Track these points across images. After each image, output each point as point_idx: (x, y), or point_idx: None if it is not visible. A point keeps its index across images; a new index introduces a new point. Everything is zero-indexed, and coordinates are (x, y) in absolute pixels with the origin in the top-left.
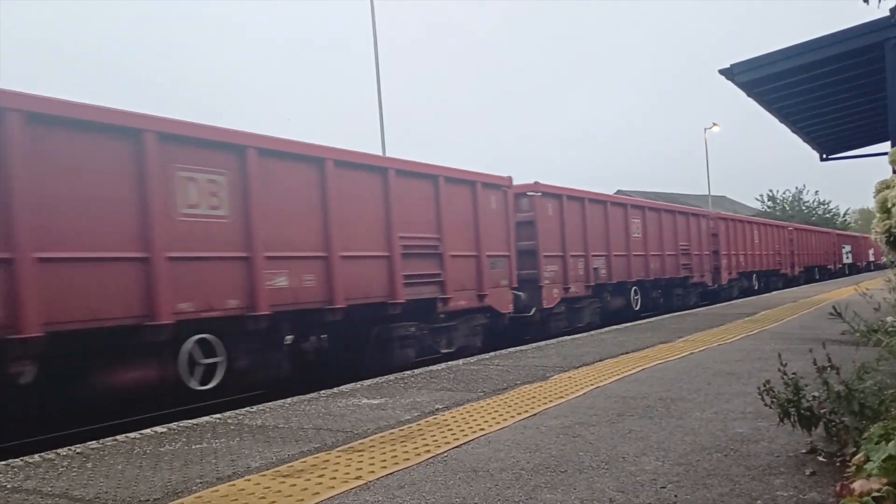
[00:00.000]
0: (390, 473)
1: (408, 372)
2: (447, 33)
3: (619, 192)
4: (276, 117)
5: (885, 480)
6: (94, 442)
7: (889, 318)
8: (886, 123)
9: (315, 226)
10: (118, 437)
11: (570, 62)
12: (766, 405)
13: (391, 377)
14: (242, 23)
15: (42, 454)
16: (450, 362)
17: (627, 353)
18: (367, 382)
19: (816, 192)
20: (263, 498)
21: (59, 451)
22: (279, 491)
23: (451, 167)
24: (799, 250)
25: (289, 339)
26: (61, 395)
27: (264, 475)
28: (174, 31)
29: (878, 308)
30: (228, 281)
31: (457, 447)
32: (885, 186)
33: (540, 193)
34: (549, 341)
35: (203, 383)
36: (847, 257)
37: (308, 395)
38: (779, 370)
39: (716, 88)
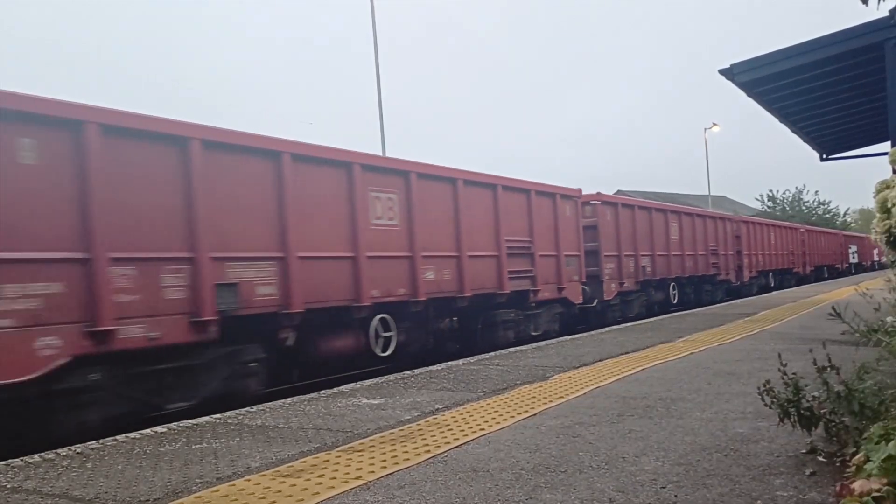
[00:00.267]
0: (390, 473)
1: (408, 372)
2: (447, 33)
3: (618, 192)
4: (276, 117)
5: (885, 480)
6: (94, 442)
7: (889, 318)
8: (886, 123)
9: (450, 231)
10: (118, 437)
11: (570, 62)
12: (766, 405)
13: (391, 377)
14: (242, 23)
15: (42, 454)
16: (450, 362)
17: (627, 353)
18: (367, 382)
19: (816, 192)
20: (263, 498)
21: (59, 451)
22: (279, 491)
23: (539, 182)
24: (810, 250)
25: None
26: (305, 354)
27: (264, 475)
28: (174, 31)
29: (878, 308)
30: (399, 274)
31: (457, 447)
32: (885, 186)
33: (601, 202)
34: (548, 342)
35: (383, 351)
36: (853, 257)
37: (308, 396)
38: (779, 370)
39: (716, 88)
